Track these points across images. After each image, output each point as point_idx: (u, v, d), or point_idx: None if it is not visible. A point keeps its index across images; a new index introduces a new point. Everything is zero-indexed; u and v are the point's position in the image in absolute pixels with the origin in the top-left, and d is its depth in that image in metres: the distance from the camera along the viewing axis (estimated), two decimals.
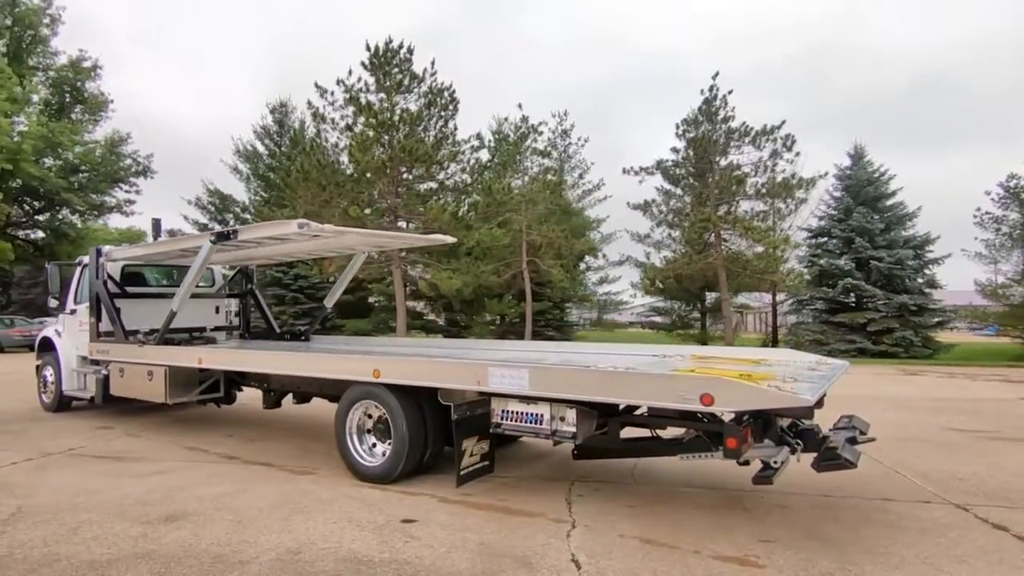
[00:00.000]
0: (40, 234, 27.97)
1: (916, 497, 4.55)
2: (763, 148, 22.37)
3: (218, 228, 5.98)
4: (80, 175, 27.63)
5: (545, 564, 3.25)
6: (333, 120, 21.45)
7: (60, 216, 27.79)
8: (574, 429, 4.00)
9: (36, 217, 27.50)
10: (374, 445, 5.01)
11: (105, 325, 7.65)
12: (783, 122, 21.86)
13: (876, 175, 23.89)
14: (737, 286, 26.48)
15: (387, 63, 22.17)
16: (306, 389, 6.15)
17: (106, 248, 7.89)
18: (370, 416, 5.02)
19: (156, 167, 30.56)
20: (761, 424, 3.91)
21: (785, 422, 4.15)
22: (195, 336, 8.38)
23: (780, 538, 3.66)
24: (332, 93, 22.01)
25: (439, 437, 4.80)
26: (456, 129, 24.90)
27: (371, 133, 20.24)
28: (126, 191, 29.85)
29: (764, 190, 21.69)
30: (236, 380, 7.14)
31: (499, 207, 24.23)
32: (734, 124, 22.41)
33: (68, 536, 3.65)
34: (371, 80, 22.16)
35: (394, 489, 4.66)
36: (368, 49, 21.64)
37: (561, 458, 5.41)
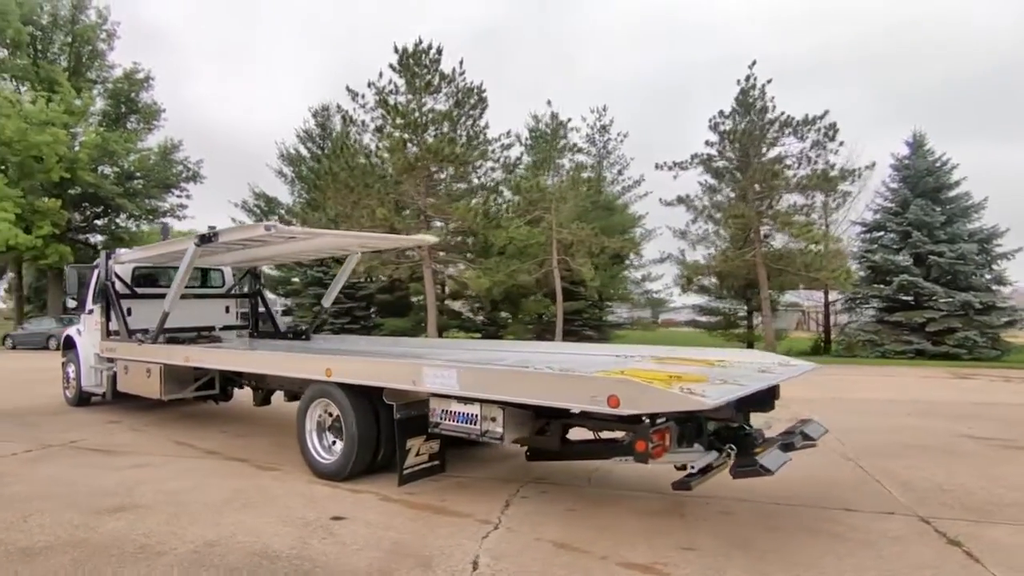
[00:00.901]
0: (99, 238, 29.90)
1: (881, 508, 4.31)
2: (805, 139, 21.52)
3: (200, 231, 6.33)
4: (134, 181, 29.34)
5: (445, 565, 3.28)
6: (363, 122, 22.02)
7: (117, 221, 29.63)
8: (501, 430, 4.00)
9: (95, 222, 29.42)
10: (334, 443, 5.14)
11: (115, 325, 8.15)
12: (826, 112, 20.94)
13: (937, 164, 22.50)
14: (781, 284, 25.55)
15: (417, 64, 22.55)
16: (287, 387, 6.36)
17: (119, 251, 8.41)
18: (331, 414, 5.16)
19: (213, 171, 32.19)
20: (693, 428, 3.82)
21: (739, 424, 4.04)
22: (202, 335, 8.80)
23: (703, 546, 3.55)
24: (363, 96, 22.59)
25: (392, 437, 4.88)
26: (487, 127, 25.16)
27: (397, 134, 20.65)
28: (177, 195, 31.48)
29: (805, 183, 20.83)
30: (232, 379, 7.45)
31: (529, 205, 24.27)
32: (773, 115, 21.64)
33: (17, 523, 3.95)
34: (400, 82, 22.61)
35: (344, 487, 4.78)
36: (396, 51, 22.07)
37: (524, 460, 5.40)
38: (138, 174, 29.39)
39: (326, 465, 5.02)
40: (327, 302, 9.28)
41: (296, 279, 32.38)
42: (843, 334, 24.21)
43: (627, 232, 30.37)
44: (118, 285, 8.23)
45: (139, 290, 8.55)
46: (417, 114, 22.16)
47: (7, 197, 21.08)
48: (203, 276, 9.43)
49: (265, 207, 36.45)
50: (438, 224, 24.16)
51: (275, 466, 5.49)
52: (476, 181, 24.66)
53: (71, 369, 9.10)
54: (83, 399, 8.85)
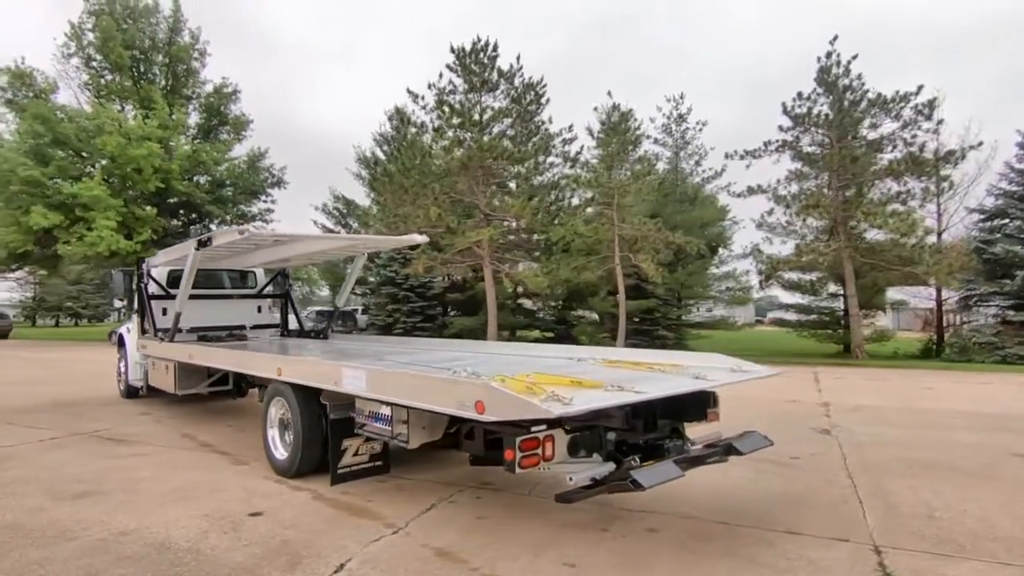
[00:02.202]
0: None
1: (835, 533, 3.88)
2: (900, 118, 19.64)
3: (199, 236, 6.81)
4: (224, 189, 31.83)
5: (312, 565, 3.33)
6: (422, 123, 22.60)
7: (210, 226, 32.31)
8: (406, 433, 3.99)
9: (190, 227, 32.27)
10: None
11: (159, 323, 8.92)
12: (920, 87, 18.97)
13: None
14: (875, 281, 23.49)
15: (476, 62, 22.85)
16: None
17: (154, 257, 9.21)
18: (286, 412, 5.36)
19: (306, 174, 34.33)
20: (595, 437, 3.62)
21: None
22: (231, 334, 9.44)
23: (588, 564, 3.36)
24: (422, 97, 23.20)
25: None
26: (550, 121, 25.05)
27: (451, 133, 21.01)
28: (263, 201, 33.82)
29: (895, 168, 19.00)
30: (244, 376, 7.91)
31: (591, 201, 23.89)
32: (858, 93, 19.92)
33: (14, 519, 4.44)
34: (459, 81, 23.00)
35: (290, 483, 4.97)
36: (453, 51, 22.46)
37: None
38: (228, 182, 31.84)
39: (280, 462, 5.23)
40: (340, 302, 9.64)
41: (372, 278, 33.69)
42: (957, 336, 21.88)
43: (709, 226, 29.04)
44: (152, 287, 8.99)
45: (172, 291, 9.29)
46: (474, 112, 22.46)
47: (111, 207, 23.64)
48: (238, 278, 10.10)
49: (344, 210, 38.42)
50: (510, 223, 24.35)
51: (248, 461, 5.79)
52: (538, 179, 24.63)
53: (122, 365, 10.07)
54: (131, 392, 9.76)
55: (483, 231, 20.18)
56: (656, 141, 33.97)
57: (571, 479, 3.33)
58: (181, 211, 30.00)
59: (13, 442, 6.67)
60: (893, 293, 28.41)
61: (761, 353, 21.88)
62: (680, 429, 4.03)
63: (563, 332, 29.35)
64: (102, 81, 27.20)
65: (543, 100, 24.05)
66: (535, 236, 27.71)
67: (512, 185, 24.82)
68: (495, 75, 23.06)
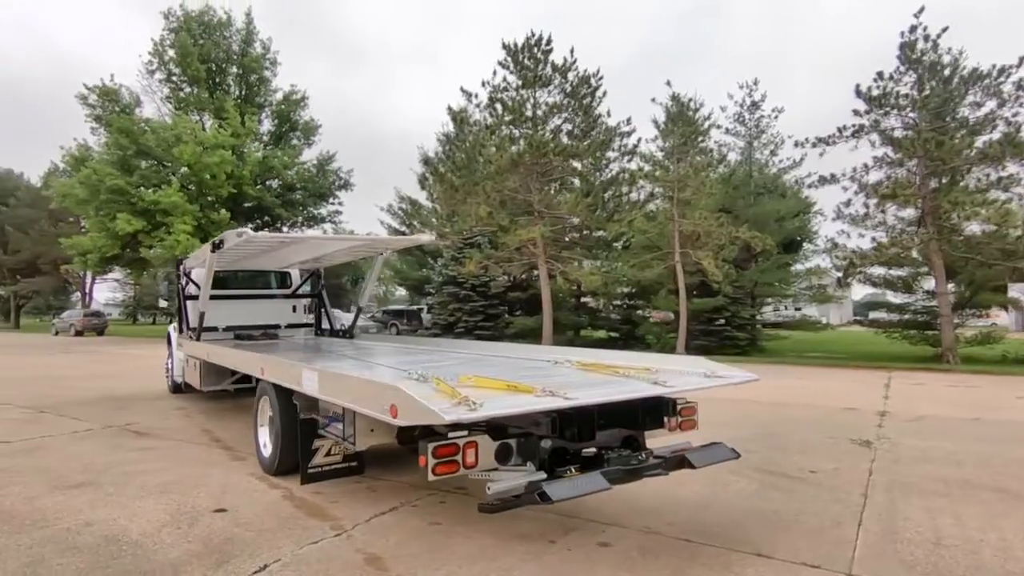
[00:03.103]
0: None
1: (809, 558, 3.52)
2: (996, 96, 17.80)
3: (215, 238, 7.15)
4: (295, 193, 33.43)
5: (237, 565, 3.38)
6: (475, 121, 22.79)
7: (282, 229, 34.06)
8: (353, 434, 3.98)
9: (263, 230, 34.24)
10: None
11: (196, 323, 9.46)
12: (1022, 60, 17.06)
13: None
14: (973, 277, 21.42)
15: (530, 57, 22.77)
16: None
17: (190, 259, 9.77)
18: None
19: (386, 174, 35.50)
20: (531, 445, 3.46)
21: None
22: (265, 333, 9.87)
23: None
24: (476, 95, 23.38)
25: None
26: (608, 115, 24.61)
27: (504, 131, 21.03)
28: (330, 203, 35.25)
29: (990, 151, 17.21)
30: None
31: (650, 196, 23.24)
32: (948, 70, 18.22)
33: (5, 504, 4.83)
34: (512, 78, 23.00)
35: (270, 481, 5.10)
36: (504, 47, 22.48)
37: None
38: (298, 185, 33.42)
39: (265, 460, 5.39)
40: (363, 301, 9.85)
41: (435, 277, 34.28)
42: None
43: (788, 220, 27.46)
44: (190, 287, 9.54)
45: (211, 292, 9.81)
46: (528, 108, 22.39)
47: (187, 212, 25.43)
48: (275, 278, 10.55)
49: (409, 210, 39.38)
50: (554, 219, 24.16)
51: (246, 457, 5.99)
52: (595, 174, 24.24)
53: (168, 362, 10.76)
54: (176, 388, 10.41)
55: (533, 229, 20.07)
56: (728, 131, 32.52)
57: (489, 488, 3.20)
58: (255, 215, 31.75)
59: (52, 433, 7.25)
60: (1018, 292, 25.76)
61: (846, 356, 20.47)
62: (637, 438, 3.79)
63: (627, 332, 28.73)
64: (180, 94, 29.28)
65: (599, 93, 23.66)
66: (595, 233, 27.37)
67: (576, 182, 24.52)
68: (549, 70, 22.90)
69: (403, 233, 35.61)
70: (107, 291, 56.51)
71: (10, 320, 49.38)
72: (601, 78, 23.70)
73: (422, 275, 39.41)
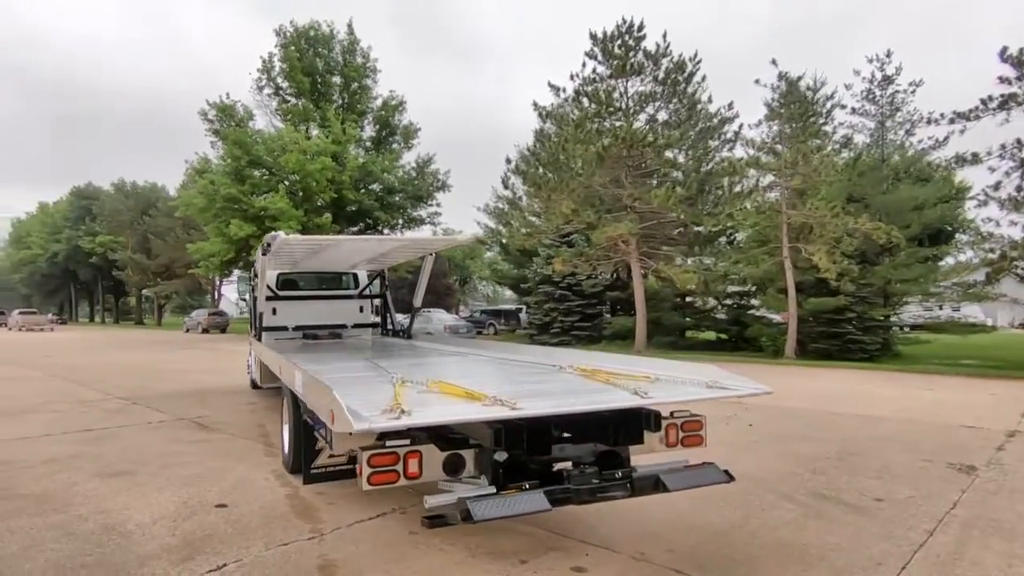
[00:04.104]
0: None
1: None
2: None
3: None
4: (395, 196, 34.87)
5: (201, 561, 3.47)
6: (562, 116, 22.53)
7: (382, 231, 35.69)
8: (331, 437, 3.96)
9: (366, 232, 35.97)
10: None
11: (268, 322, 10.10)
12: None
13: None
14: None
15: (622, 45, 22.18)
16: None
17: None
18: None
19: (476, 176, 36.50)
20: (481, 456, 3.25)
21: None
22: (331, 332, 10.32)
23: None
24: (564, 89, 23.13)
25: None
26: (710, 100, 23.44)
27: (590, 125, 20.59)
28: (428, 205, 36.41)
29: None
30: None
31: (754, 188, 21.77)
32: None
33: (47, 475, 5.36)
34: (602, 69, 22.52)
35: (286, 478, 5.26)
36: (592, 37, 22.04)
37: None
38: (398, 188, 34.85)
39: (285, 457, 5.56)
40: (417, 302, 9.96)
41: (532, 277, 34.34)
42: None
43: (928, 208, 24.66)
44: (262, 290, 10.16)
45: (281, 293, 10.42)
46: (619, 98, 21.81)
47: (292, 217, 27.34)
48: (341, 280, 11.01)
49: (507, 208, 39.79)
50: (649, 215, 23.33)
51: (277, 454, 6.25)
52: (691, 164, 23.10)
53: (249, 359, 11.55)
54: (255, 384, 11.16)
55: (619, 225, 19.48)
56: (855, 111, 29.81)
57: (426, 502, 3.03)
58: (357, 219, 33.52)
59: (129, 423, 8.00)
60: None
61: (1002, 365, 17.90)
62: (619, 454, 3.44)
63: (737, 334, 27.12)
64: (286, 106, 31.55)
65: (696, 79, 22.57)
66: (695, 228, 26.09)
67: (678, 175, 23.54)
68: (641, 57, 22.18)
69: (498, 232, 36.02)
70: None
71: (154, 318, 56.00)
72: (699, 62, 22.60)
73: (519, 274, 39.73)
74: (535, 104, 22.61)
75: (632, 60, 21.97)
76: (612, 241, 20.60)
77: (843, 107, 26.87)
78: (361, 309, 11.02)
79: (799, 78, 21.06)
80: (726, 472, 3.40)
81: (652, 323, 27.76)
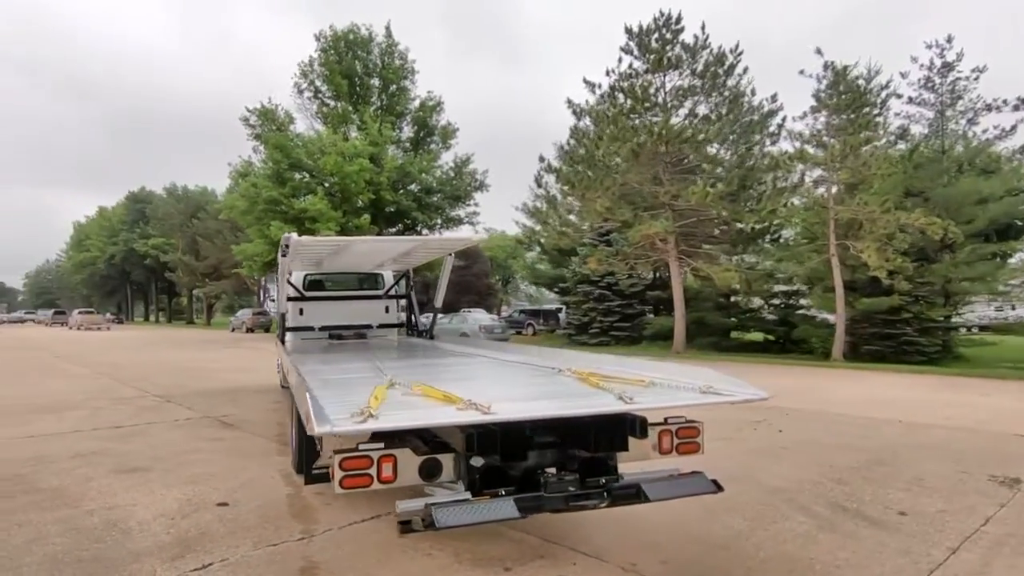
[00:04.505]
0: None
1: None
2: None
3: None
4: (433, 197, 35.20)
5: (190, 559, 3.54)
6: (597, 113, 22.29)
7: (420, 231, 36.09)
8: (320, 439, 3.99)
9: (405, 233, 36.45)
10: None
11: (295, 322, 10.32)
12: None
13: None
14: None
15: (660, 39, 21.83)
16: None
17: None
18: None
19: (523, 174, 36.40)
20: (456, 461, 3.21)
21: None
22: (358, 332, 10.47)
23: None
24: (599, 85, 22.88)
25: None
26: (752, 93, 22.86)
27: (624, 120, 20.30)
28: (466, 205, 36.61)
29: None
30: None
31: (799, 183, 21.07)
32: None
33: (67, 470, 5.59)
34: (638, 64, 22.19)
35: (294, 478, 5.33)
36: (627, 32, 21.73)
37: None
38: (436, 189, 35.17)
39: (293, 456, 5.65)
40: (437, 303, 9.99)
41: (569, 276, 34.10)
42: None
43: (993, 200, 23.38)
44: (289, 290, 10.38)
45: (308, 293, 10.62)
46: (656, 93, 21.45)
47: (331, 218, 27.93)
48: (366, 280, 11.15)
49: (544, 207, 39.69)
50: (689, 212, 22.85)
51: (290, 453, 6.36)
52: (734, 159, 22.53)
53: (278, 359, 11.81)
54: (284, 383, 11.41)
55: (655, 223, 19.14)
56: (911, 100, 28.53)
57: (397, 508, 3.00)
58: (395, 219, 33.99)
59: (158, 420, 8.29)
60: None
61: None
62: (604, 460, 3.33)
63: (784, 335, 26.31)
64: (325, 109, 32.25)
65: (737, 71, 22.00)
66: (739, 226, 25.44)
67: (720, 171, 23.02)
68: (679, 51, 21.76)
69: (534, 231, 35.96)
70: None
71: (204, 317, 58.15)
72: (740, 54, 22.03)
73: (557, 273, 39.52)
74: (569, 102, 22.43)
75: (670, 54, 21.57)
76: (648, 240, 20.25)
77: (899, 96, 25.74)
78: (387, 309, 11.13)
79: (846, 68, 20.22)
80: (714, 482, 3.26)
81: (695, 323, 27.16)
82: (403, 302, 11.16)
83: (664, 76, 22.07)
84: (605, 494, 3.11)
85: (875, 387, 12.72)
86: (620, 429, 3.32)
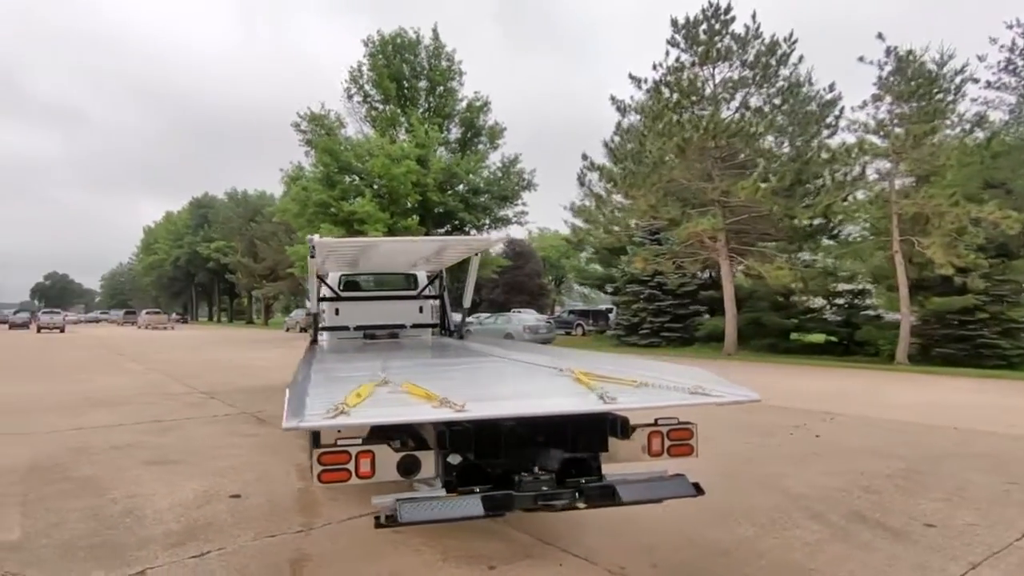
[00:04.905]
0: None
1: None
2: None
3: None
4: (481, 197, 35.49)
5: (191, 546, 3.72)
6: (645, 108, 21.96)
7: (468, 232, 36.45)
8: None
9: (452, 234, 36.92)
10: None
11: (331, 321, 10.64)
12: None
13: None
14: None
15: (705, 30, 21.37)
16: None
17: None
18: None
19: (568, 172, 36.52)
20: (437, 458, 3.25)
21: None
22: (390, 332, 10.71)
23: None
24: (645, 80, 22.56)
25: None
26: (809, 83, 22.08)
27: (671, 115, 19.92)
28: (514, 205, 36.74)
29: None
30: None
31: (860, 175, 20.17)
32: None
33: (102, 460, 5.96)
34: (686, 57, 21.77)
35: (308, 474, 5.52)
36: (673, 24, 21.34)
37: None
38: (483, 188, 35.46)
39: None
40: (466, 303, 10.06)
41: (618, 276, 33.70)
42: None
43: None
44: (324, 290, 10.71)
45: (344, 294, 10.92)
46: (702, 87, 21.00)
47: (379, 220, 28.57)
48: (403, 280, 11.39)
49: (592, 206, 39.33)
50: (740, 208, 22.22)
51: None
52: (788, 153, 21.78)
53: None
54: None
55: (702, 221, 18.71)
56: (990, 85, 27.02)
57: (372, 502, 3.06)
58: (443, 220, 34.47)
59: (198, 415, 8.72)
60: None
61: None
62: (586, 461, 3.31)
63: (848, 336, 25.23)
64: (375, 112, 33.02)
65: (792, 60, 21.28)
66: (796, 222, 24.56)
67: (773, 164, 22.33)
68: (728, 41, 21.24)
69: (581, 229, 35.69)
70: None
71: (262, 317, 60.49)
72: (795, 42, 21.30)
73: (606, 273, 39.12)
74: (613, 98, 22.21)
75: (719, 45, 21.06)
76: (696, 237, 19.82)
77: (975, 81, 24.32)
78: (421, 309, 11.32)
79: (910, 53, 19.23)
80: (695, 485, 3.18)
81: (750, 324, 26.38)
82: (436, 303, 11.32)
83: (713, 68, 21.57)
84: (577, 494, 3.08)
85: (938, 391, 12.08)
86: (600, 429, 3.29)
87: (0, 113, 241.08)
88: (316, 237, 6.84)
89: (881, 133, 20.19)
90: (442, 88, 34.77)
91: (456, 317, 11.21)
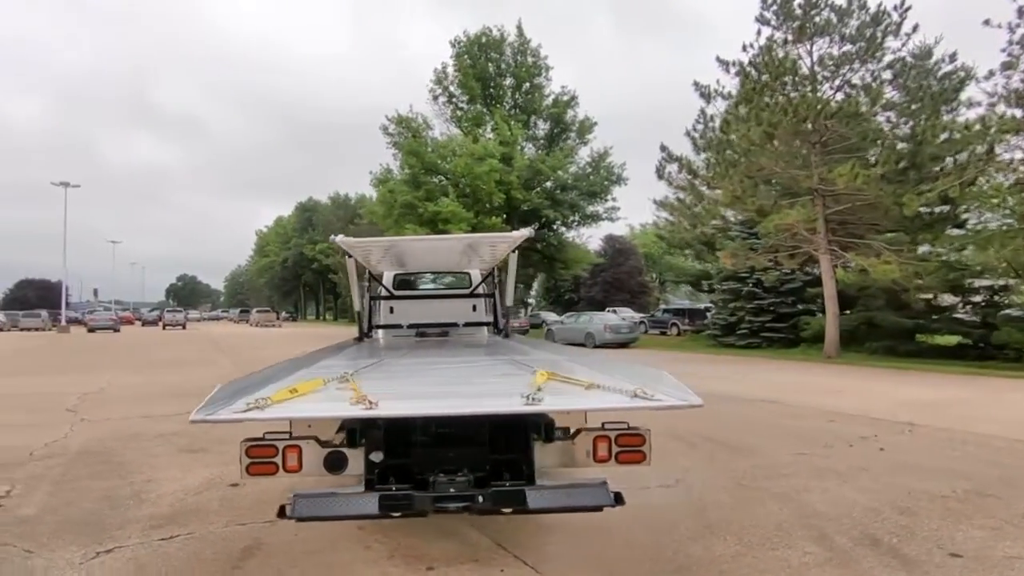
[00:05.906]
0: (537, 246, 37.22)
1: None
2: None
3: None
4: (570, 193, 35.39)
5: (169, 528, 4.03)
6: (729, 93, 20.95)
7: (555, 230, 36.42)
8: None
9: (538, 232, 37.02)
10: None
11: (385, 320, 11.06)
12: None
13: None
14: None
15: (803, 3, 20.08)
16: None
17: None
18: None
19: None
20: (361, 455, 3.30)
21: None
22: (441, 330, 10.96)
23: None
24: (733, 63, 21.52)
25: None
26: (928, 55, 20.22)
27: (763, 98, 18.85)
28: (603, 200, 36.32)
29: None
30: None
31: (987, 153, 18.13)
32: None
33: (142, 447, 6.55)
34: (779, 35, 20.55)
35: None
36: (763, 1, 20.18)
37: None
38: (571, 184, 35.34)
39: None
40: (507, 300, 10.04)
41: (714, 272, 32.47)
42: None
43: None
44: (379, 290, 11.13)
45: (397, 292, 11.29)
46: (796, 65, 19.73)
47: (463, 219, 29.24)
48: (455, 279, 11.64)
49: (683, 198, 38.02)
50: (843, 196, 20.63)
51: None
52: (901, 134, 19.98)
53: None
54: None
55: (791, 212, 17.57)
56: None
57: (290, 501, 3.15)
58: (529, 219, 34.68)
59: None
60: None
61: None
62: (514, 462, 3.23)
63: (983, 338, 22.74)
64: (459, 112, 33.81)
65: (904, 30, 19.52)
66: (916, 208, 22.47)
67: (881, 148, 20.63)
68: (827, 14, 19.84)
69: (669, 224, 34.67)
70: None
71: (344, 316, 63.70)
72: (907, 9, 19.48)
73: (702, 269, 37.66)
74: (696, 84, 21.33)
75: (816, 18, 19.71)
76: (789, 229, 18.66)
77: None
78: (474, 308, 11.49)
79: None
80: (616, 495, 3.01)
81: (863, 324, 24.44)
82: (489, 301, 11.44)
83: (811, 44, 20.21)
84: (480, 498, 3.01)
85: None
86: (521, 432, 3.22)
87: (134, 125, 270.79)
88: (340, 237, 7.13)
89: (1017, 104, 17.99)
90: (528, 84, 35.03)
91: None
